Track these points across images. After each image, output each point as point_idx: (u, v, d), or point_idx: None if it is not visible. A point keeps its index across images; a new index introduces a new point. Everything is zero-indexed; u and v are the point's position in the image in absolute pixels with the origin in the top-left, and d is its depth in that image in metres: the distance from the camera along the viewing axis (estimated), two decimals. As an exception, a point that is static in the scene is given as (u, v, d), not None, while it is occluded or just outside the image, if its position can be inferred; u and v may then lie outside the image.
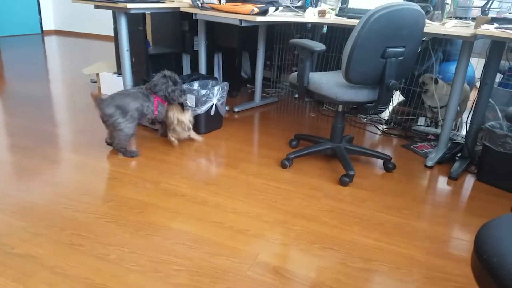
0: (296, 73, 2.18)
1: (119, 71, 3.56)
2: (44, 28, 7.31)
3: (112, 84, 3.52)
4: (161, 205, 1.88)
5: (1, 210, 1.77)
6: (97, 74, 3.70)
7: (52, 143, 2.50)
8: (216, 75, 3.67)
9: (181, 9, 2.75)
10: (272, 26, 3.74)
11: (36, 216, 1.74)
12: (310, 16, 2.60)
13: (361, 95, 2.05)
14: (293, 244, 1.65)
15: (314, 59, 3.18)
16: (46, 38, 6.84)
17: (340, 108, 2.28)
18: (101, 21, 6.95)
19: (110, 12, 6.48)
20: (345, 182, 2.15)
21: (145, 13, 3.21)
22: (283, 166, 2.32)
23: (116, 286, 1.37)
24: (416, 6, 1.89)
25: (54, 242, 1.58)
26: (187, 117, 2.47)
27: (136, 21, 2.99)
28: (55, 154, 2.34)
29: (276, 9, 2.56)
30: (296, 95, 3.87)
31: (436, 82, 2.87)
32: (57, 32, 7.49)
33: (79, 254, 1.51)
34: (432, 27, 2.19)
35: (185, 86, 2.65)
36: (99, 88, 3.71)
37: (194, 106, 2.62)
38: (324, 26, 3.58)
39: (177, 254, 1.55)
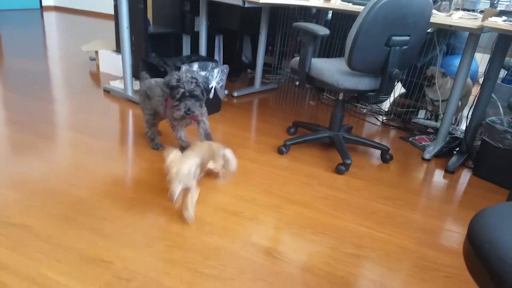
0: (298, 58, 2.16)
1: (118, 49, 3.52)
2: (44, 4, 7.22)
3: (111, 62, 3.49)
4: (156, 184, 1.87)
5: (-5, 181, 1.76)
6: (96, 52, 3.66)
7: (49, 120, 2.48)
8: (216, 57, 3.64)
9: (184, -11, 2.71)
10: (275, 10, 3.70)
11: (31, 190, 1.73)
12: (315, 0, 2.57)
13: (362, 83, 2.04)
14: (286, 228, 1.65)
15: (317, 45, 3.15)
16: (45, 14, 6.75)
17: (340, 96, 2.26)
18: (103, -1, 6.87)
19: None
20: (341, 171, 2.14)
21: (147, -9, 3.16)
22: (280, 152, 2.32)
23: (110, 258, 1.37)
24: (423, -6, 1.87)
25: (48, 215, 1.57)
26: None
27: (137, -2, 2.95)
28: (51, 131, 2.32)
29: (281, -8, 2.53)
30: (297, 82, 3.85)
31: (445, 76, 2.85)
32: (56, 9, 7.40)
33: (74, 227, 1.51)
34: (438, 17, 2.17)
35: (184, 68, 2.62)
36: (97, 65, 3.68)
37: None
38: (329, 12, 3.54)
39: (171, 231, 1.55)
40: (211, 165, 1.83)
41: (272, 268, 1.42)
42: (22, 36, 4.86)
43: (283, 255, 1.48)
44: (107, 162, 2.01)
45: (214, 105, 2.81)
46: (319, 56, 3.57)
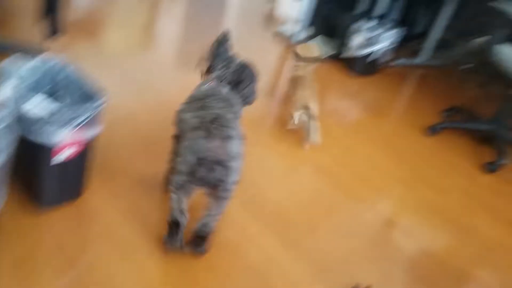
0: (482, 38, 1.99)
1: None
2: None
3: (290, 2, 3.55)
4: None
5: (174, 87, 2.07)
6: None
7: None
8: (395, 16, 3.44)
9: None
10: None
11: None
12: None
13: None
14: (414, 206, 1.66)
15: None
16: None
17: (516, 92, 2.06)
18: None
19: None
20: (491, 169, 2.00)
21: None
22: (431, 131, 2.23)
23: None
24: None
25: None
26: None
27: None
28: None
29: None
30: (468, 65, 3.53)
31: None
32: None
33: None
34: None
35: (354, 25, 2.60)
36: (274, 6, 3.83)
37: (357, 47, 2.59)
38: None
39: (306, 180, 1.68)
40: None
41: (391, 241, 1.47)
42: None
43: (403, 232, 1.52)
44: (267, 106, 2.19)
45: (372, 68, 2.77)
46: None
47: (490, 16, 3.35)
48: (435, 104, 2.63)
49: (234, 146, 1.10)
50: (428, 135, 2.23)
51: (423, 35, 3.77)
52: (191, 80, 1.39)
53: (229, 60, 1.34)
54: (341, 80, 2.66)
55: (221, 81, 1.29)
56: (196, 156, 1.07)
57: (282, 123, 1.98)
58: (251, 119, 1.94)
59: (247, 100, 1.36)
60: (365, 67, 2.72)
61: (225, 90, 1.27)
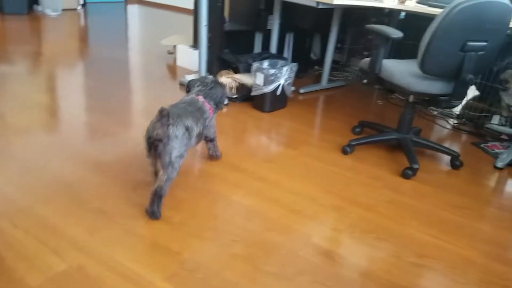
0: (368, 58, 2.14)
1: (195, 45, 3.68)
2: (127, -3, 7.65)
3: (188, 56, 3.65)
4: (224, 177, 1.97)
5: (79, 165, 1.95)
6: (174, 46, 3.85)
7: (127, 108, 2.68)
8: (285, 55, 3.68)
9: (259, -13, 2.78)
10: (347, 9, 3.65)
11: (109, 175, 1.90)
12: (390, 1, 2.52)
13: (434, 87, 1.98)
14: (347, 230, 1.67)
15: (388, 46, 3.08)
16: (129, 7, 7.16)
17: (411, 99, 2.22)
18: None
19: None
20: (407, 175, 2.11)
21: (224, -11, 3.26)
22: (344, 152, 2.32)
23: (177, 248, 1.49)
24: (505, -1, 1.77)
25: (124, 200, 1.72)
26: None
27: (216, -4, 3.06)
28: (129, 119, 2.52)
29: (355, -8, 2.51)
30: (365, 81, 3.79)
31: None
32: (139, 1, 7.81)
33: (145, 215, 1.65)
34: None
35: (255, 65, 2.70)
36: (174, 59, 3.87)
37: (262, 85, 2.67)
38: (402, 11, 3.43)
39: (235, 225, 1.64)
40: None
41: (332, 271, 1.45)
42: (107, 27, 5.22)
43: (343, 259, 1.51)
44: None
45: (281, 101, 2.87)
46: (389, 56, 3.48)
47: (371, 36, 3.66)
48: (346, 123, 2.75)
49: (172, 130, 1.55)
50: (346, 154, 2.31)
51: (320, 61, 4.01)
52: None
53: (203, 80, 1.91)
54: (255, 117, 2.71)
55: (197, 95, 1.83)
56: (148, 134, 1.59)
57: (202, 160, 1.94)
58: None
59: (218, 105, 1.91)
60: (275, 101, 2.80)
61: (200, 100, 1.82)
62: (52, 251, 1.42)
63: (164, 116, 1.51)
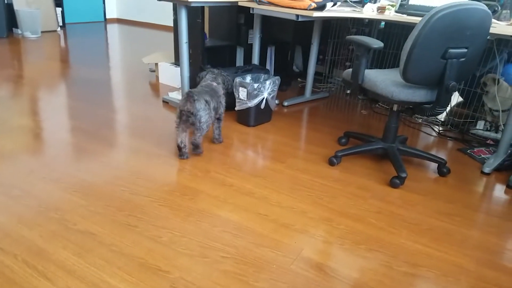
0: (350, 69, 2.15)
1: (176, 62, 3.67)
2: (107, 16, 7.64)
3: (170, 74, 3.64)
4: (210, 193, 1.94)
5: (64, 188, 1.91)
6: (156, 64, 3.84)
7: (111, 127, 2.64)
8: (268, 67, 3.69)
9: (239, 3, 2.79)
10: (327, 20, 3.70)
11: (95, 196, 1.86)
12: (369, 12, 2.55)
13: (418, 95, 2.00)
14: (338, 242, 1.65)
15: (370, 56, 3.11)
16: (109, 26, 7.15)
17: (395, 107, 2.23)
18: (161, 11, 7.16)
19: (170, 3, 6.66)
20: (395, 184, 2.11)
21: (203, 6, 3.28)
22: (331, 163, 2.31)
23: (167, 267, 1.44)
24: (482, 6, 1.81)
25: (111, 221, 1.68)
26: None
27: (195, 13, 3.06)
28: (113, 138, 2.47)
29: (334, 4, 2.54)
30: (348, 91, 3.82)
31: (498, 82, 2.72)
32: (119, 21, 7.81)
33: (134, 234, 1.61)
34: (499, 27, 2.09)
35: (237, 79, 2.69)
36: (157, 77, 3.85)
37: (246, 99, 2.66)
38: (382, 21, 3.49)
39: (224, 241, 1.60)
40: None
41: (324, 284, 1.42)
42: (87, 47, 5.19)
43: (335, 271, 1.49)
44: (164, 170, 2.11)
45: (265, 115, 2.86)
46: (371, 65, 3.52)
47: (352, 47, 3.69)
48: (331, 134, 2.76)
49: (197, 105, 2.14)
50: (333, 166, 2.31)
51: (303, 74, 4.03)
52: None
53: (212, 71, 2.47)
54: (240, 131, 2.69)
55: (212, 81, 2.42)
56: (180, 109, 2.17)
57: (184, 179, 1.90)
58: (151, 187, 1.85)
59: (228, 88, 2.52)
60: (259, 115, 2.79)
61: (214, 84, 2.41)
62: (41, 275, 1.37)
63: (190, 96, 2.10)
